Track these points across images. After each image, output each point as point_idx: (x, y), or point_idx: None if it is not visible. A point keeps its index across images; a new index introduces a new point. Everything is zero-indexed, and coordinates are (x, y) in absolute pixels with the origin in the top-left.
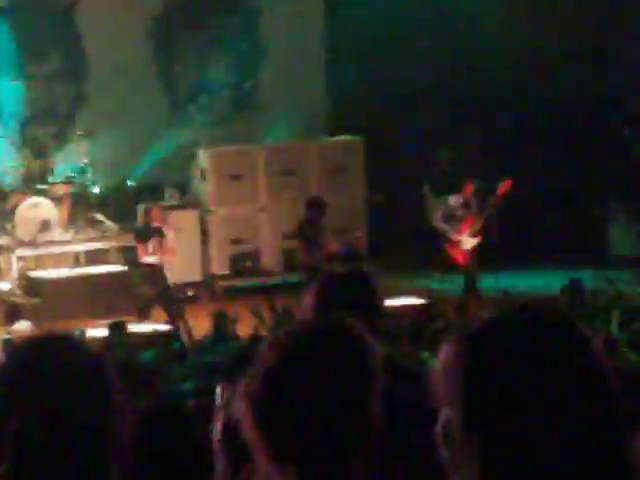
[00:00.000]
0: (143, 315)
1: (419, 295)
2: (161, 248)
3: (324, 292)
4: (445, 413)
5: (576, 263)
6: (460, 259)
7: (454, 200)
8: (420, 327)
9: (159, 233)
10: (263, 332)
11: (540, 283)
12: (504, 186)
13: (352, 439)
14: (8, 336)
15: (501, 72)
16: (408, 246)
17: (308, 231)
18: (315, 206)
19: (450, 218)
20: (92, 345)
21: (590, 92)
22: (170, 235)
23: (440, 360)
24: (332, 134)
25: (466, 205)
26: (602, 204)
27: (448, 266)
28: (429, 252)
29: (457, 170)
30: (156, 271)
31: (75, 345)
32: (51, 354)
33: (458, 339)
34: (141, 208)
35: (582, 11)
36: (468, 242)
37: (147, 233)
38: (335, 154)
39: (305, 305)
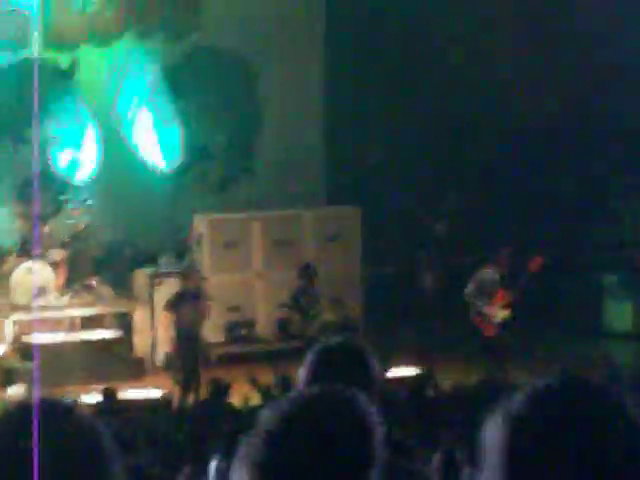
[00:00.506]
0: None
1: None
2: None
3: (318, 365)
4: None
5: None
6: (490, 332)
7: (489, 272)
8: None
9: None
10: (255, 401)
11: None
12: (535, 262)
13: None
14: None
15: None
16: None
17: (301, 300)
18: (306, 274)
19: (482, 291)
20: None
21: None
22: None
23: (485, 434)
24: (330, 203)
25: (501, 277)
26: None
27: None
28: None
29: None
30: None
31: (68, 412)
32: (44, 421)
33: (501, 417)
34: (140, 274)
35: None
36: (500, 315)
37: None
38: (331, 223)
39: (300, 377)
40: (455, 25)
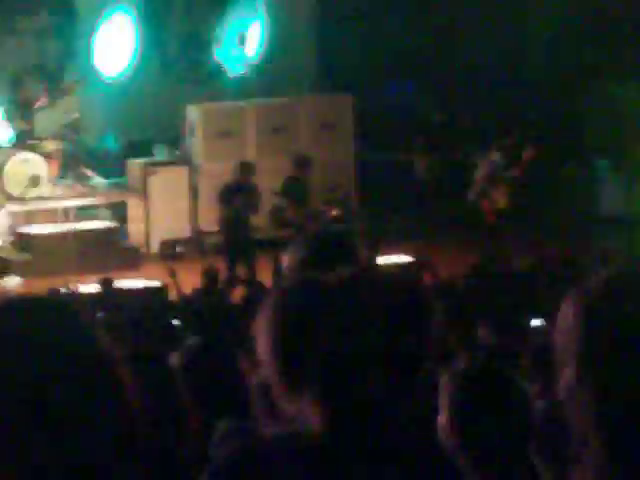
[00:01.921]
0: None
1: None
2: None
3: (305, 252)
4: (566, 371)
5: None
6: (492, 218)
7: (497, 159)
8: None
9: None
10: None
11: None
12: (530, 154)
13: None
14: None
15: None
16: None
17: (294, 189)
18: (300, 164)
19: (492, 176)
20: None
21: None
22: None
23: (559, 320)
24: (321, 91)
25: (505, 164)
26: None
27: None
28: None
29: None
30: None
31: (62, 308)
32: (35, 319)
33: (574, 301)
34: (134, 164)
35: None
36: (502, 202)
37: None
38: (324, 111)
39: (286, 264)
40: None
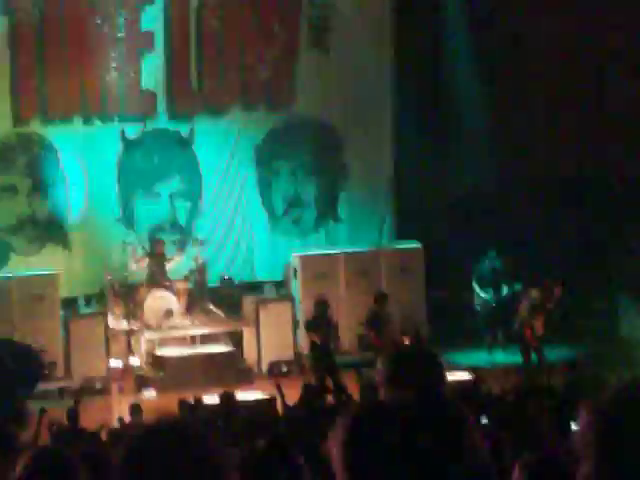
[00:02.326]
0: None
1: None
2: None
3: (394, 368)
4: (583, 468)
5: None
6: (534, 343)
7: (538, 295)
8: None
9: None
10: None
11: None
12: (558, 289)
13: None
14: (136, 401)
15: None
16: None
17: (376, 320)
18: (380, 299)
19: (533, 310)
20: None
21: None
22: None
23: (578, 426)
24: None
25: (542, 300)
26: None
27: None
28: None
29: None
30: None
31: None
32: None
33: (592, 411)
34: (248, 299)
35: None
36: (540, 330)
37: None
38: (401, 258)
39: (378, 379)
40: None
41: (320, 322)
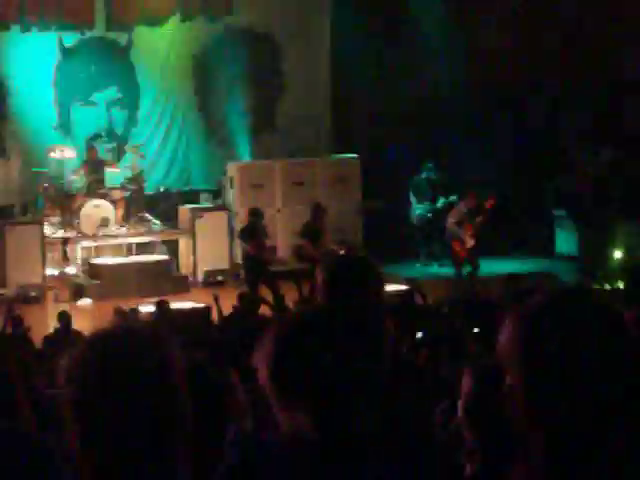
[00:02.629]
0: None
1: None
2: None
3: (336, 272)
4: (508, 379)
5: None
6: (462, 254)
7: (462, 208)
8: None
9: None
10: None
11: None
12: (490, 202)
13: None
14: (64, 309)
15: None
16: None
17: (312, 231)
18: (316, 211)
19: (461, 222)
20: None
21: None
22: None
23: (502, 336)
24: (336, 152)
25: (470, 212)
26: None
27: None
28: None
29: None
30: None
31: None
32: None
33: (515, 319)
34: (184, 209)
35: None
36: (470, 242)
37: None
38: (337, 169)
39: (320, 283)
40: None
41: (253, 232)
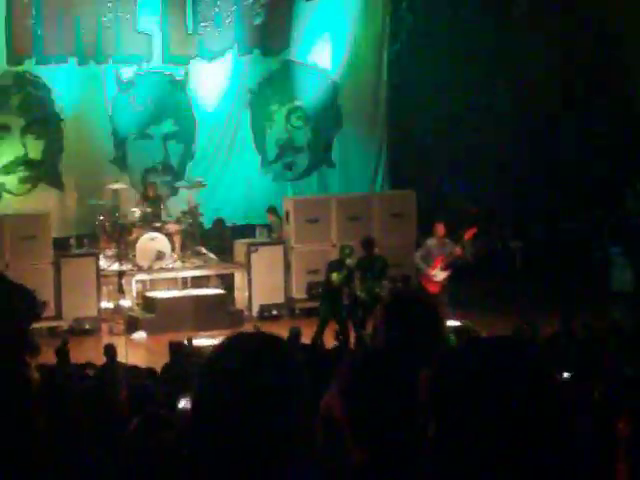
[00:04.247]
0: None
1: None
2: None
3: (393, 312)
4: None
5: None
6: (432, 289)
7: (431, 241)
8: None
9: None
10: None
11: None
12: (470, 232)
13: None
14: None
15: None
16: None
17: (364, 264)
18: (366, 244)
19: (427, 257)
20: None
21: None
22: None
23: (420, 383)
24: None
25: (441, 244)
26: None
27: None
28: None
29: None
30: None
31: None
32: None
33: (426, 378)
34: (239, 243)
35: None
36: (440, 275)
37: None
38: (393, 203)
39: (377, 322)
40: None
41: (342, 265)
